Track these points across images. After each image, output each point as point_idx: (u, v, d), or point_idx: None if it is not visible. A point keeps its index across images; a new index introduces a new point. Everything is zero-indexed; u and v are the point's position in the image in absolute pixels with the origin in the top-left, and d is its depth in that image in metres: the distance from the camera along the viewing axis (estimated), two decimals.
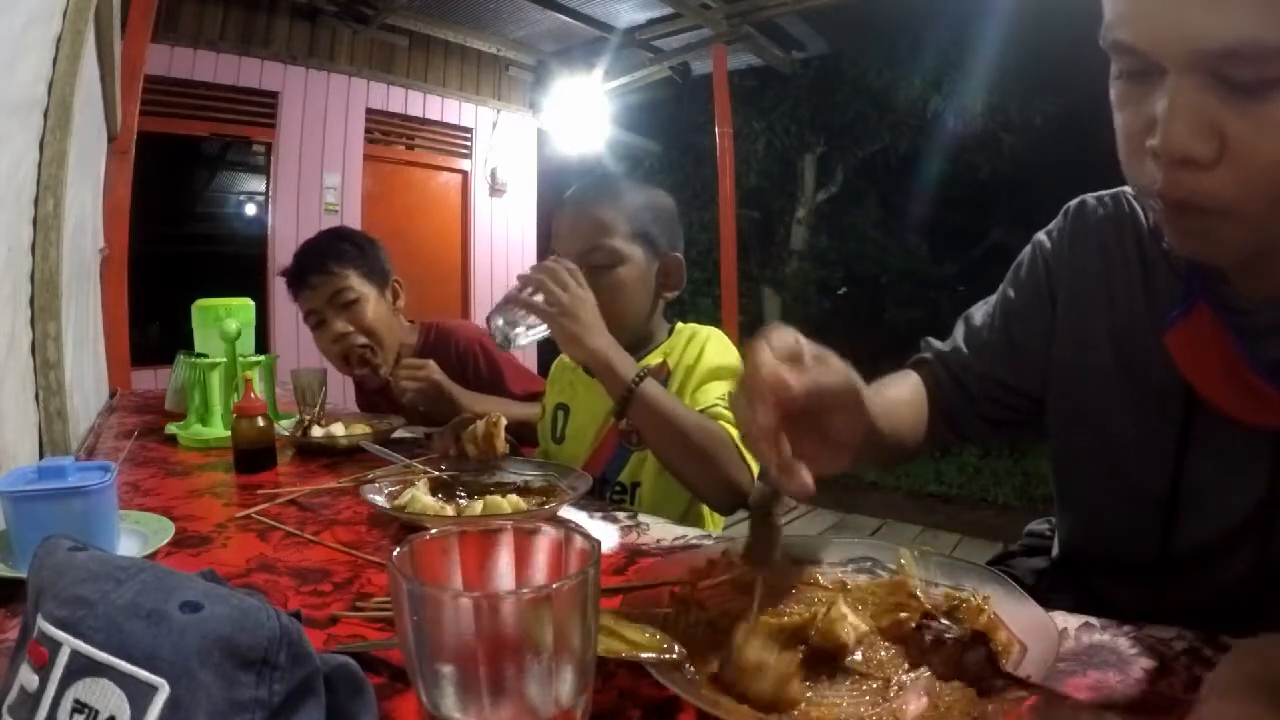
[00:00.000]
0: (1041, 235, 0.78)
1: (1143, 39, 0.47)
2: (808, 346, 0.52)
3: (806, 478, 0.49)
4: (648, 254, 1.08)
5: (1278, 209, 0.48)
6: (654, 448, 0.98)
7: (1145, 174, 0.51)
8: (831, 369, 0.53)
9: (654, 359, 1.09)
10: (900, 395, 0.79)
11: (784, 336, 0.52)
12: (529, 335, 0.99)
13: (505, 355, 1.53)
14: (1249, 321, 0.58)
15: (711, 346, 1.08)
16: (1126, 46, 0.49)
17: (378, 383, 1.51)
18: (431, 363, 1.31)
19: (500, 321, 0.98)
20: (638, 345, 1.11)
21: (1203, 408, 0.62)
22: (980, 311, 0.82)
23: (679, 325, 1.15)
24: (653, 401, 0.90)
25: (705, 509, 1.07)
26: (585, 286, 0.96)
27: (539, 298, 0.94)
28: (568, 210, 1.11)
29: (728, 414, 0.95)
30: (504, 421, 1.02)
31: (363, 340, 1.47)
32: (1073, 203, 0.75)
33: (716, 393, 1.01)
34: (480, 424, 1.01)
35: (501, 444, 1.00)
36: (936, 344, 0.85)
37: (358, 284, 1.48)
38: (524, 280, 0.96)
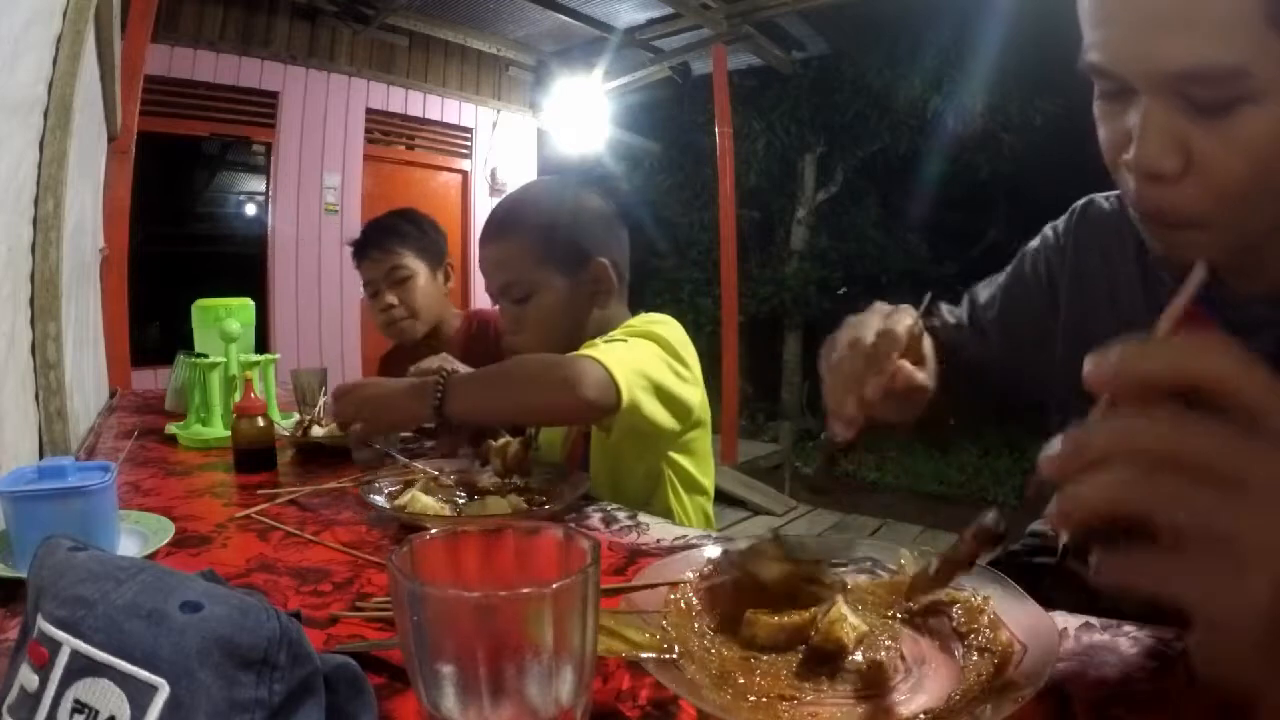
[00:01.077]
0: (1049, 230, 0.80)
1: (1113, 62, 0.51)
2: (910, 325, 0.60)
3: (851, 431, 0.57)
4: (566, 270, 1.06)
5: (1244, 219, 0.51)
6: (496, 417, 1.01)
7: (1126, 186, 0.54)
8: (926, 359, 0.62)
9: None
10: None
11: (903, 320, 0.58)
12: (389, 441, 1.09)
13: None
14: (1238, 317, 0.59)
15: (656, 326, 1.06)
16: (1100, 69, 0.52)
17: (410, 341, 1.65)
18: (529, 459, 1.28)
19: (377, 460, 1.06)
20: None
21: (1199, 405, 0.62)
22: (985, 292, 0.85)
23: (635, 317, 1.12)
24: (462, 386, 0.93)
25: (669, 491, 1.06)
26: (350, 387, 1.04)
27: (356, 426, 1.01)
28: (482, 246, 1.12)
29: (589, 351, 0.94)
30: (536, 445, 1.01)
31: (403, 313, 1.61)
32: (1080, 202, 0.77)
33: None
34: (514, 444, 0.99)
35: (529, 466, 0.99)
36: (945, 313, 0.87)
37: (412, 262, 1.62)
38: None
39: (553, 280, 1.06)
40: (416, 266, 1.63)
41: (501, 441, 1.00)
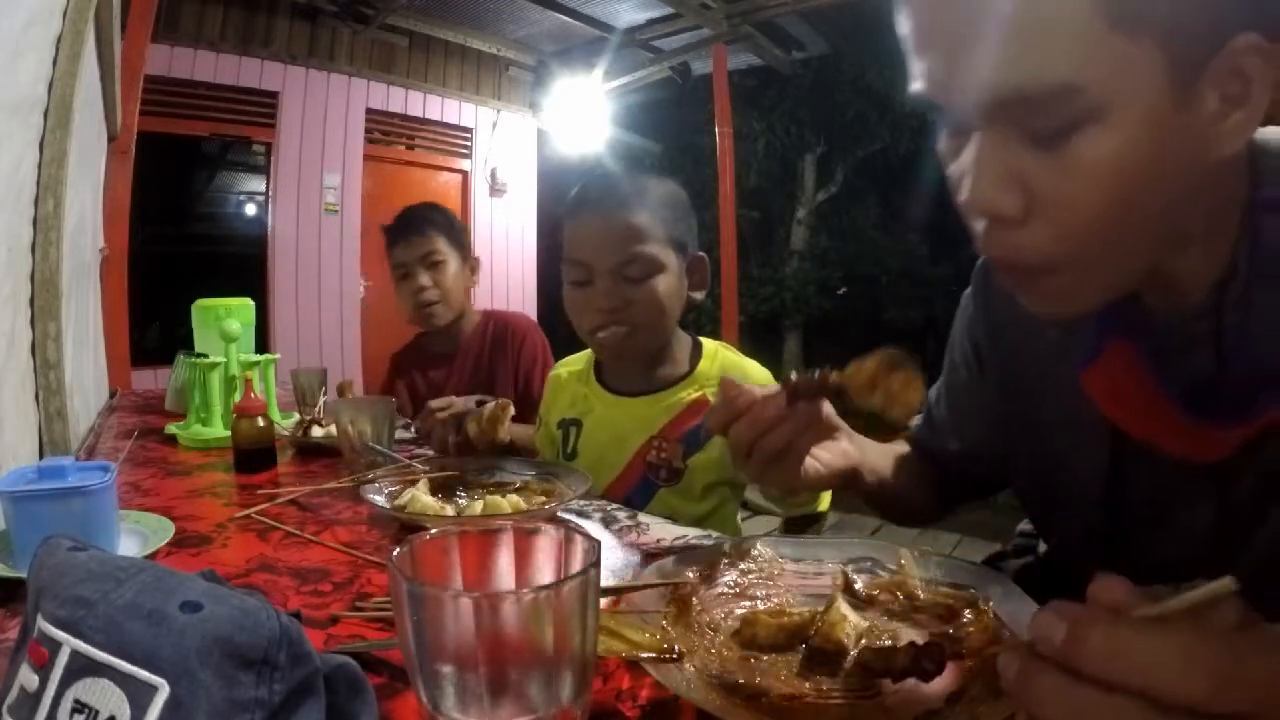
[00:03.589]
0: (962, 299, 0.76)
1: (937, 93, 0.46)
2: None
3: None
4: (679, 257, 1.02)
5: (1108, 258, 0.47)
6: None
7: (974, 230, 0.49)
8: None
9: (687, 393, 1.03)
10: (897, 451, 0.81)
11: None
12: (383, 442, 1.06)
13: (541, 355, 1.70)
14: (1164, 343, 0.54)
15: (752, 372, 1.05)
16: (927, 101, 0.47)
17: (437, 326, 1.69)
18: (505, 423, 1.22)
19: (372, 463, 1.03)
20: (659, 357, 1.06)
21: (1131, 443, 0.58)
22: (933, 391, 0.82)
23: (706, 349, 1.09)
24: None
25: (733, 507, 1.06)
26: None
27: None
28: (594, 215, 1.01)
29: None
30: (511, 409, 1.01)
31: (436, 296, 1.66)
32: (979, 262, 0.72)
33: None
34: (489, 406, 1.00)
35: (505, 431, 0.99)
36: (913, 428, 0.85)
37: (445, 249, 1.68)
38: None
39: (672, 263, 1.00)
40: (449, 254, 1.69)
41: (477, 410, 1.00)
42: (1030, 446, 0.69)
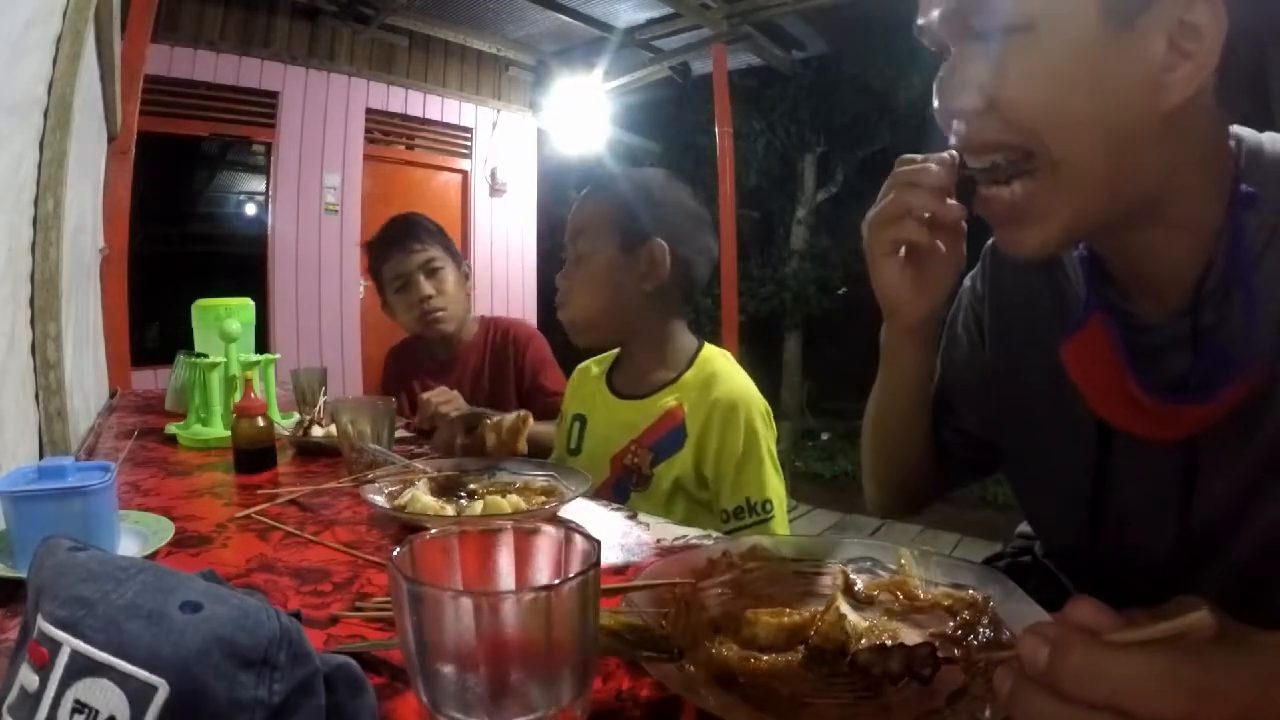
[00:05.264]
0: (967, 281, 0.78)
1: (923, 18, 0.56)
2: None
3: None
4: (621, 244, 1.05)
5: (1054, 162, 0.51)
6: None
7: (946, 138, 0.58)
8: None
9: (667, 399, 1.04)
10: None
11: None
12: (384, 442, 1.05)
13: (548, 356, 1.69)
14: (1146, 339, 0.57)
15: (735, 385, 1.02)
16: (920, 29, 0.57)
17: (443, 335, 1.67)
18: (455, 393, 1.26)
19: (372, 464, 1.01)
20: (648, 362, 1.08)
21: (1115, 433, 0.60)
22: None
23: (700, 356, 1.08)
24: None
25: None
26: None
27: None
28: (569, 219, 1.13)
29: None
30: (531, 421, 1.02)
31: (442, 303, 1.64)
32: (989, 242, 0.73)
33: (750, 486, 0.98)
34: (509, 417, 1.00)
35: (523, 444, 1.00)
36: None
37: (442, 256, 1.67)
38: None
39: (607, 249, 1.06)
40: (446, 261, 1.67)
41: (498, 419, 1.01)
42: (1021, 430, 0.70)
